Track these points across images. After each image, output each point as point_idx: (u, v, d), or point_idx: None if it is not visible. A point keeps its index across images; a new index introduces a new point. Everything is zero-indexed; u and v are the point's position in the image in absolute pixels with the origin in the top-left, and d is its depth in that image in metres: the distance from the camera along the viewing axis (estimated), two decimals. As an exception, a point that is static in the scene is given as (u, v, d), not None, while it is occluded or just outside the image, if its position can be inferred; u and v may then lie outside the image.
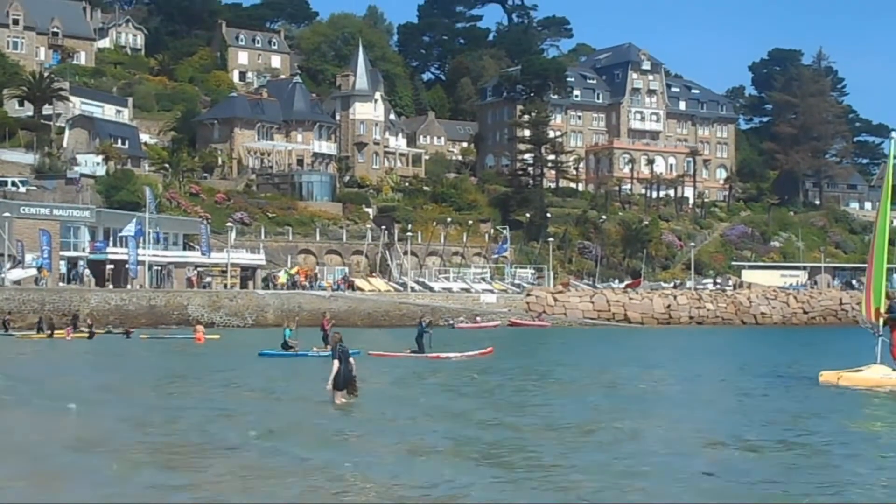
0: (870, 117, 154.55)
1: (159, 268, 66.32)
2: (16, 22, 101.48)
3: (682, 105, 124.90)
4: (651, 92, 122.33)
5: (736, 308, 76.57)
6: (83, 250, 65.11)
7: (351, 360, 19.58)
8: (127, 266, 61.54)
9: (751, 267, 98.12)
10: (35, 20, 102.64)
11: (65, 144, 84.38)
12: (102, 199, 73.27)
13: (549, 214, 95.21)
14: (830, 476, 12.67)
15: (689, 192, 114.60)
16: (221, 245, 69.22)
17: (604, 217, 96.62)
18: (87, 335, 45.23)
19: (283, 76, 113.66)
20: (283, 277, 68.90)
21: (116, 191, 74.01)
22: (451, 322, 63.15)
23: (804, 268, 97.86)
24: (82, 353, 37.55)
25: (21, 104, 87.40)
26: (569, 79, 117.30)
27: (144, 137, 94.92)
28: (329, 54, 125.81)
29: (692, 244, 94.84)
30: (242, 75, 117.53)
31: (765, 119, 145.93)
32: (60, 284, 59.91)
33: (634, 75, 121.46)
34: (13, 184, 69.93)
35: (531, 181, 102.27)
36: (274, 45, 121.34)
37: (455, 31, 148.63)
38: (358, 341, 35.61)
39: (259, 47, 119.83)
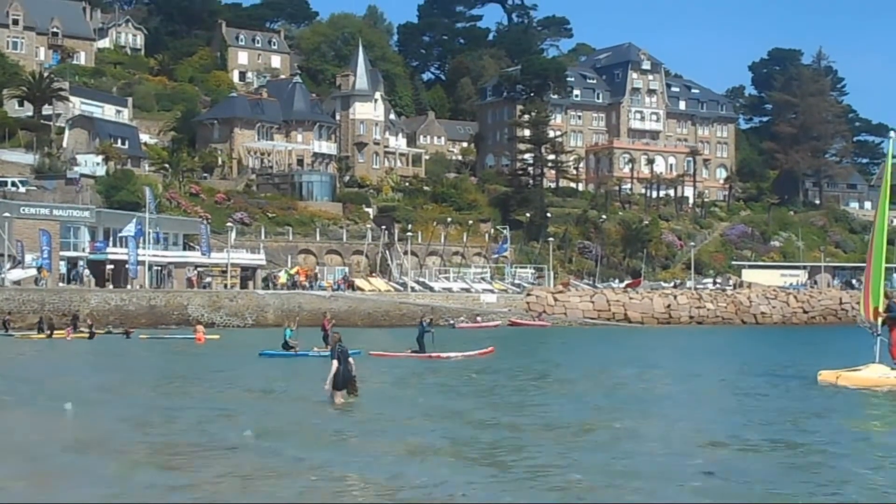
0: (870, 117, 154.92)
1: (159, 268, 66.30)
2: (16, 22, 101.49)
3: (682, 105, 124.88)
4: (651, 92, 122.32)
5: (736, 308, 76.54)
6: (83, 250, 65.06)
7: (350, 360, 19.62)
8: (127, 266, 61.51)
9: (751, 266, 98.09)
10: (35, 20, 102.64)
11: (65, 144, 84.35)
12: (102, 199, 73.26)
13: (549, 214, 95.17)
14: (829, 475, 12.67)
15: (689, 192, 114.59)
16: (221, 245, 69.20)
17: (604, 217, 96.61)
18: (87, 335, 45.24)
19: (283, 76, 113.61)
20: (283, 277, 68.87)
21: (116, 191, 74.01)
22: (451, 322, 63.11)
23: (804, 267, 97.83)
24: (82, 354, 37.57)
25: (21, 104, 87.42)
26: (569, 79, 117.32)
27: (144, 137, 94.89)
28: (329, 54, 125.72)
29: (692, 244, 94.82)
30: (242, 75, 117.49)
31: (765, 119, 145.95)
32: (60, 285, 59.87)
33: (634, 75, 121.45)
34: (13, 184, 69.89)
35: (531, 181, 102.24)
36: (274, 45, 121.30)
37: (455, 31, 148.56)
38: (358, 341, 35.64)
39: (259, 47, 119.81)
